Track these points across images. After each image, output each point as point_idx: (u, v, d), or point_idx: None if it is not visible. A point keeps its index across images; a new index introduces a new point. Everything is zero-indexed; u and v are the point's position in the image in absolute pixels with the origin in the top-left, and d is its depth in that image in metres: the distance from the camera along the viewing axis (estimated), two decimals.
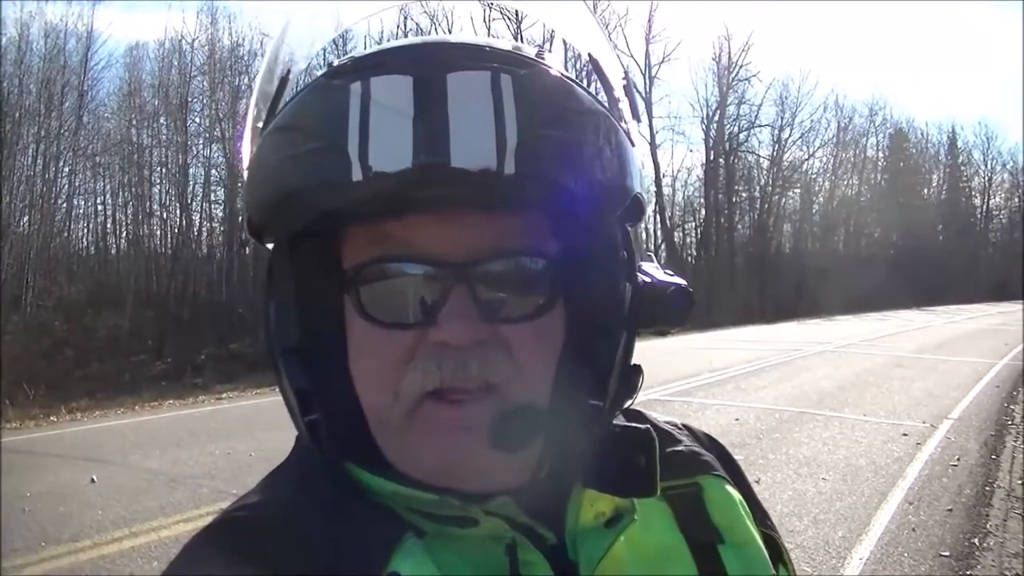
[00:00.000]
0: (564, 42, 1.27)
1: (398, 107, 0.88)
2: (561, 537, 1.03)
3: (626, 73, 1.13)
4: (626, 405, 1.10)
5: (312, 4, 1.16)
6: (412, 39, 1.01)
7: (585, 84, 1.01)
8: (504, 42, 1.01)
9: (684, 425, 1.28)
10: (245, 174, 1.05)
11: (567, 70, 0.99)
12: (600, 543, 1.03)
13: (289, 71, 1.08)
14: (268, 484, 1.06)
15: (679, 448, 1.19)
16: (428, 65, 0.91)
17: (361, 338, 0.98)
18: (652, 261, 1.18)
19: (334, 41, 1.21)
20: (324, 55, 1.28)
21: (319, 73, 0.98)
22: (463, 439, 0.94)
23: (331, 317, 1.01)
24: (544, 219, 0.97)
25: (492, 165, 0.86)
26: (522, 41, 1.28)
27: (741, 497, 1.19)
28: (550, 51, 1.01)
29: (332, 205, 0.90)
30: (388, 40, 1.19)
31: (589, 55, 1.13)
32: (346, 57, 0.98)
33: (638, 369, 1.08)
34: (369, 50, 0.99)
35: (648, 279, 1.11)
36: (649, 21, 57.95)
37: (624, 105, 1.09)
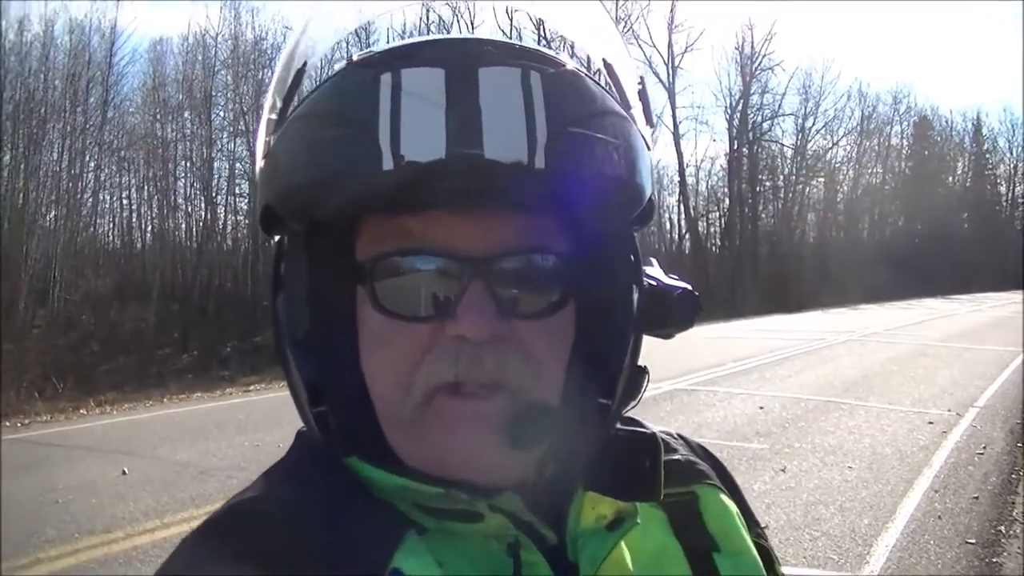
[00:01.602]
0: (572, 46, 1.27)
1: (430, 98, 0.87)
2: (561, 538, 1.03)
3: (641, 78, 1.12)
4: (631, 405, 1.10)
5: (330, 4, 1.15)
6: (438, 36, 1.00)
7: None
8: (531, 43, 1.01)
9: (679, 435, 1.28)
10: (260, 163, 1.05)
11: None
12: (602, 546, 1.03)
13: (306, 63, 1.06)
14: (266, 480, 1.05)
15: (675, 457, 1.19)
16: (459, 59, 0.90)
17: (375, 331, 0.98)
18: (654, 265, 1.19)
19: (356, 33, 1.20)
20: (347, 47, 1.27)
21: (342, 64, 0.97)
22: (476, 434, 0.94)
23: (343, 309, 1.01)
24: (561, 217, 0.97)
25: (524, 159, 0.86)
26: (546, 43, 1.28)
27: (736, 507, 1.20)
28: (569, 55, 1.01)
29: (361, 194, 0.89)
30: (411, 35, 1.18)
31: (603, 60, 1.11)
32: (370, 50, 0.97)
33: (643, 370, 1.09)
34: (396, 43, 0.98)
35: (654, 282, 1.14)
36: (671, 11, 57.74)
37: (638, 110, 1.07)
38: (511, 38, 1.07)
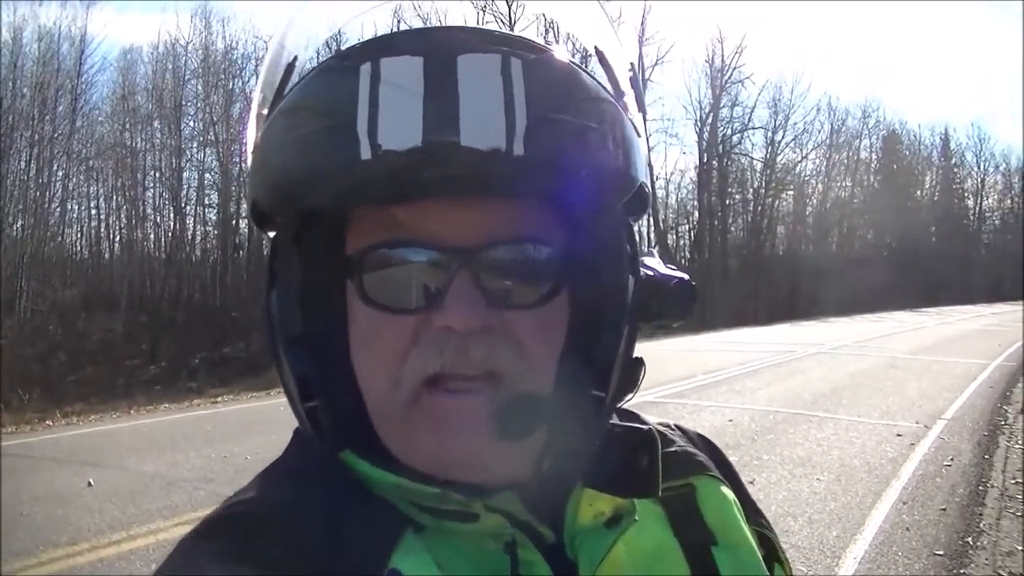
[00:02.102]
0: (568, 35, 1.27)
1: (408, 87, 0.87)
2: (559, 536, 1.02)
3: (632, 65, 1.12)
4: (628, 397, 1.09)
5: (314, 3, 1.15)
6: (421, 26, 1.00)
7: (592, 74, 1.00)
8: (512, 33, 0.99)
9: (676, 426, 1.27)
10: (249, 160, 1.04)
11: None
12: (600, 544, 1.02)
13: (296, 58, 1.06)
14: (264, 480, 1.05)
15: (673, 449, 1.18)
16: (438, 47, 0.90)
17: (364, 324, 0.98)
18: (654, 256, 1.18)
19: (336, 37, 1.18)
20: (338, 43, 1.27)
21: (325, 57, 0.97)
22: (466, 428, 0.93)
23: (334, 304, 1.01)
24: (549, 207, 0.97)
25: (502, 145, 0.86)
26: (543, 34, 1.27)
27: (735, 497, 1.18)
28: (557, 42, 1.01)
29: (341, 184, 0.89)
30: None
31: (595, 47, 1.12)
32: (352, 42, 0.96)
33: (640, 362, 1.08)
34: (379, 34, 0.97)
35: (651, 272, 1.12)
36: (642, 24, 57.66)
37: (630, 97, 1.07)
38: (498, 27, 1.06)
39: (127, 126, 44.68)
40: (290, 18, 1.11)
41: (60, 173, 41.22)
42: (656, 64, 57.69)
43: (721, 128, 66.32)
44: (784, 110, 70.57)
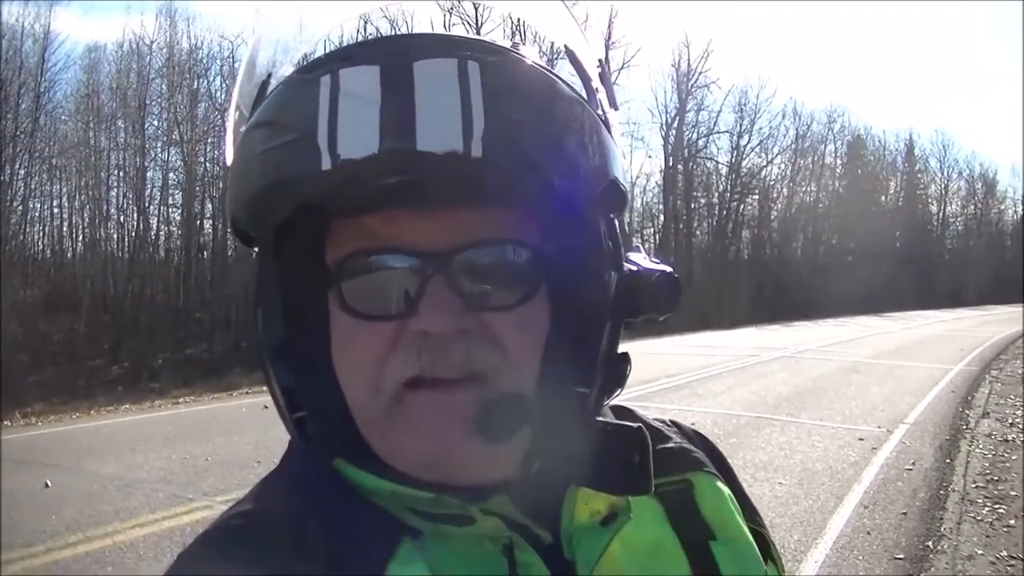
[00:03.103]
0: (535, 34, 1.27)
1: (365, 96, 0.88)
2: (556, 536, 1.03)
3: (601, 62, 1.14)
4: (616, 393, 1.09)
5: (280, 4, 1.15)
6: (380, 36, 1.02)
7: (561, 73, 1.01)
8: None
9: (672, 422, 1.29)
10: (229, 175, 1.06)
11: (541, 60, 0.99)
12: (597, 542, 1.03)
13: (271, 74, 1.07)
14: (261, 490, 1.06)
15: (669, 445, 1.19)
16: (395, 55, 0.91)
17: (344, 332, 0.99)
18: (639, 251, 1.17)
19: (306, 55, 1.19)
20: (318, 50, 1.27)
21: (288, 71, 1.00)
22: (447, 429, 0.94)
23: (316, 314, 1.01)
24: (523, 208, 0.98)
25: (459, 148, 0.86)
26: (511, 35, 1.27)
27: (731, 493, 1.19)
28: (524, 43, 1.01)
29: (305, 196, 0.90)
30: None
31: (564, 45, 1.13)
32: (313, 55, 0.98)
33: (626, 357, 1.08)
34: (340, 45, 0.99)
35: (635, 268, 1.11)
36: (609, 27, 57.90)
37: (602, 94, 1.09)
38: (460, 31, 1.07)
39: (91, 124, 44.38)
40: (263, 29, 1.12)
41: (22, 171, 40.87)
42: (622, 68, 57.83)
43: (687, 132, 66.85)
44: (750, 115, 71.11)
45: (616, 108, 1.11)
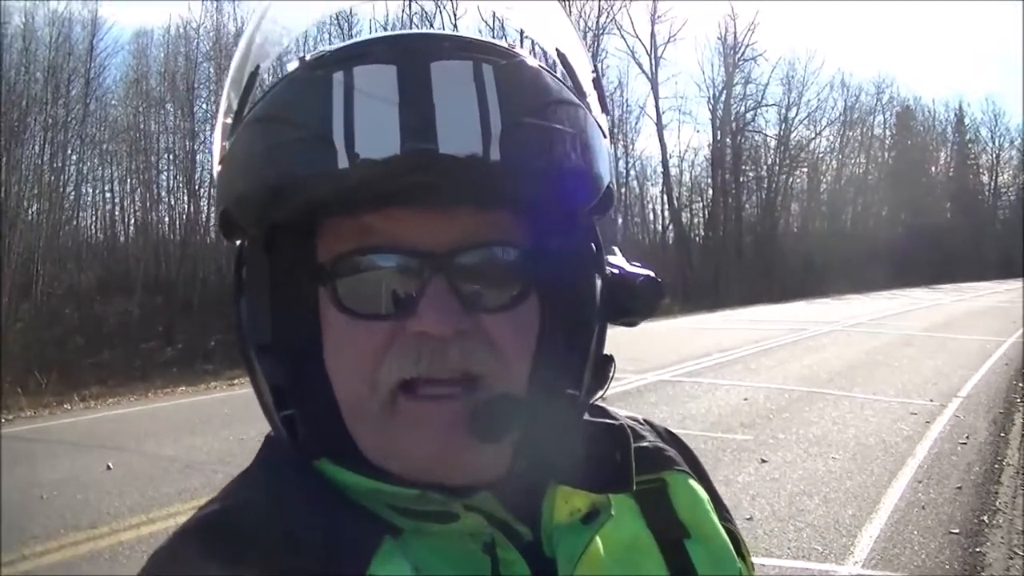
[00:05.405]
0: (527, 36, 1.27)
1: (383, 95, 0.88)
2: (536, 534, 1.03)
3: (594, 67, 1.12)
4: (599, 395, 1.10)
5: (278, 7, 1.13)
6: (389, 33, 1.02)
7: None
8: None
9: (646, 420, 1.28)
10: (217, 168, 1.05)
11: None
12: (577, 540, 1.03)
13: (259, 66, 1.06)
14: (238, 487, 1.05)
15: (644, 444, 1.18)
16: (411, 55, 0.91)
17: (338, 331, 0.98)
18: (616, 254, 1.18)
19: (305, 33, 1.17)
20: (300, 48, 1.27)
21: (293, 66, 0.98)
22: (443, 430, 0.94)
23: (306, 311, 1.00)
24: (521, 209, 0.98)
25: (479, 151, 0.87)
26: (502, 36, 1.27)
27: (705, 493, 1.20)
28: (520, 45, 1.02)
29: (319, 194, 0.90)
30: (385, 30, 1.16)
31: (557, 50, 1.12)
32: (322, 49, 0.97)
33: (610, 359, 1.09)
34: (347, 42, 0.98)
35: (616, 271, 1.13)
36: (654, 2, 57.61)
37: (593, 99, 1.08)
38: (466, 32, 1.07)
39: (140, 109, 44.43)
40: (256, 21, 1.11)
41: (74, 157, 41.01)
42: (668, 42, 57.63)
43: (734, 106, 65.90)
44: (797, 87, 69.86)
45: (607, 113, 1.11)
